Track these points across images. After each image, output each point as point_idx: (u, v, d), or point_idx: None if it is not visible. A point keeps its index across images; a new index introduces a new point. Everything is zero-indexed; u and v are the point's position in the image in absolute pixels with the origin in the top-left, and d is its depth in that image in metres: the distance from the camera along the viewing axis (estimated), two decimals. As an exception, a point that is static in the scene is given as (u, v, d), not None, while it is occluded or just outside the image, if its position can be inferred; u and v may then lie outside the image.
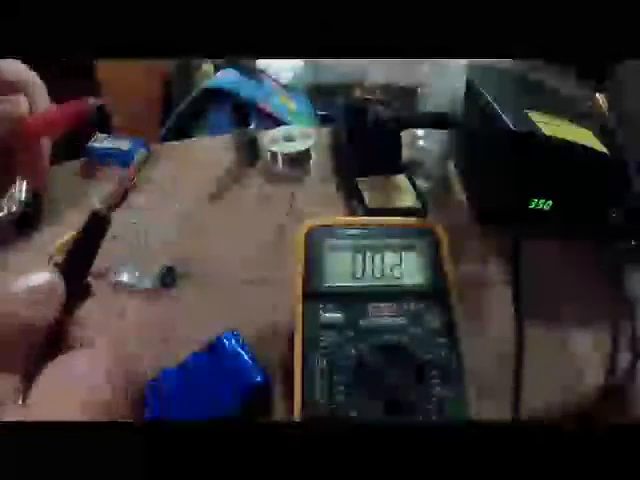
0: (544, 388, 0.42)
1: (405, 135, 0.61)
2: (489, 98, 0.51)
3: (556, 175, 0.47)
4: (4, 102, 0.27)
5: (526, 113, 0.49)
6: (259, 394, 0.40)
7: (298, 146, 0.63)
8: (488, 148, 0.52)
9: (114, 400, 0.15)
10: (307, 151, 0.64)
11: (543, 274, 0.48)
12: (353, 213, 0.56)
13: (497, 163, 0.50)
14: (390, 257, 0.40)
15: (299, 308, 0.37)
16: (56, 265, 0.17)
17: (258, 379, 0.40)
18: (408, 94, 0.71)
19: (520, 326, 0.44)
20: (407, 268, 0.39)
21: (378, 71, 0.75)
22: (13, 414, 0.14)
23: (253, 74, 0.87)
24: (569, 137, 0.47)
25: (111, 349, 0.16)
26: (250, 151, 0.65)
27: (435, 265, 0.39)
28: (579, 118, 0.51)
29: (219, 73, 0.88)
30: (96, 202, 0.18)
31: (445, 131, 0.63)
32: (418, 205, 0.55)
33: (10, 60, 0.29)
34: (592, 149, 0.47)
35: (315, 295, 0.37)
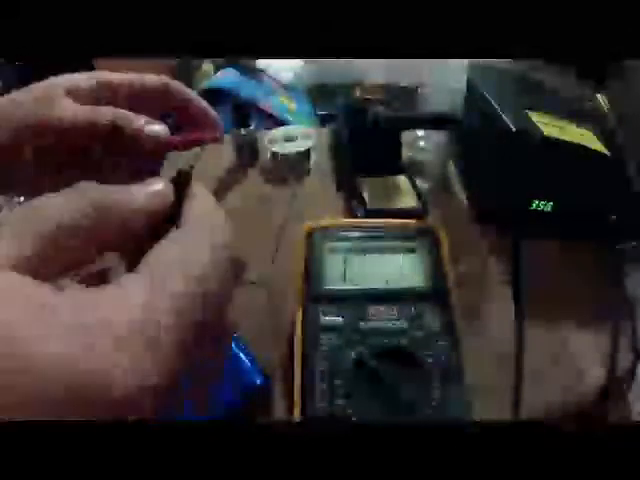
0: (544, 388, 0.42)
1: (405, 135, 0.61)
2: (489, 98, 0.51)
3: (556, 175, 0.47)
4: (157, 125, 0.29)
5: (526, 113, 0.49)
6: (258, 395, 0.40)
7: (298, 146, 0.63)
8: (488, 148, 0.52)
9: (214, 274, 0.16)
10: (307, 151, 0.64)
11: (543, 274, 0.48)
12: (353, 213, 0.56)
13: (497, 163, 0.50)
14: (390, 259, 0.40)
15: (299, 310, 0.37)
16: None
17: (257, 381, 0.39)
18: (408, 94, 0.71)
19: (520, 326, 0.44)
20: (407, 270, 0.39)
21: (378, 71, 0.75)
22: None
23: (253, 74, 0.87)
24: (569, 137, 0.47)
25: None
26: (250, 151, 0.65)
27: (435, 266, 0.39)
28: (579, 118, 0.51)
29: (219, 73, 0.88)
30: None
31: (445, 131, 0.63)
32: (418, 205, 0.55)
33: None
34: (592, 149, 0.47)
35: (315, 297, 0.37)
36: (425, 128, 0.64)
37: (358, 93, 0.64)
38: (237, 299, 0.19)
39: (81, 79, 0.29)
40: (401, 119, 0.59)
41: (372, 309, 0.36)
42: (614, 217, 0.48)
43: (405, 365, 0.34)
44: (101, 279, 0.19)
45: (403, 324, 0.36)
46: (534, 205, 0.48)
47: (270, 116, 0.81)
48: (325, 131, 0.70)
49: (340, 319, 0.36)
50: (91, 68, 0.29)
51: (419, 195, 0.56)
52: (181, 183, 0.19)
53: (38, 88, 0.28)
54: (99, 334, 0.13)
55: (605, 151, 0.47)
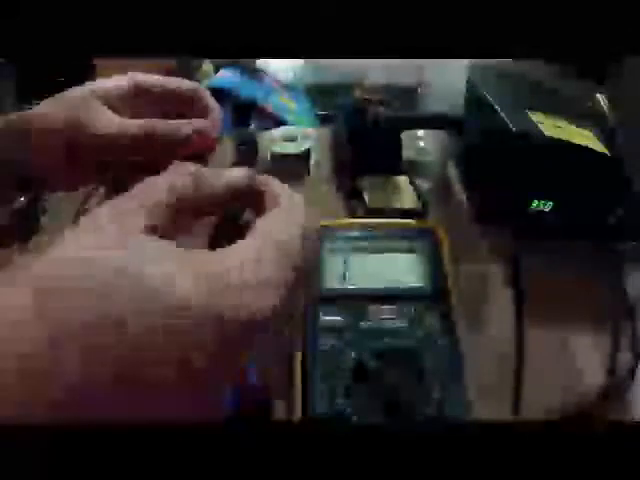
0: (544, 388, 0.42)
1: (405, 135, 0.61)
2: (489, 98, 0.51)
3: (556, 175, 0.47)
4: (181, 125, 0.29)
5: (526, 113, 0.49)
6: (258, 396, 0.40)
7: (298, 146, 0.63)
8: (488, 148, 0.52)
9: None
10: (307, 151, 0.64)
11: (543, 274, 0.48)
12: (353, 213, 0.56)
13: (497, 163, 0.50)
14: (390, 259, 0.40)
15: (299, 309, 0.37)
16: None
17: (256, 381, 0.39)
18: (408, 94, 0.71)
19: (520, 326, 0.44)
20: (407, 270, 0.39)
21: (378, 71, 0.75)
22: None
23: (253, 74, 0.87)
24: (569, 137, 0.47)
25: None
26: (250, 151, 0.65)
27: (435, 266, 0.39)
28: (579, 118, 0.51)
29: (219, 73, 0.88)
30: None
31: (445, 131, 0.63)
32: (418, 206, 0.55)
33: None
34: (592, 149, 0.47)
35: (315, 297, 0.37)
36: (425, 128, 0.64)
37: (358, 93, 0.64)
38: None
39: (113, 85, 0.29)
40: (401, 119, 0.59)
41: (372, 309, 0.36)
42: (614, 217, 0.48)
43: (405, 365, 0.34)
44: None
45: (403, 324, 0.36)
46: (534, 205, 0.48)
47: (270, 116, 0.81)
48: (325, 131, 0.70)
49: (340, 319, 0.36)
50: (91, 68, 0.29)
51: (419, 195, 0.56)
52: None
53: (73, 99, 0.28)
54: (228, 278, 0.16)
55: (605, 151, 0.47)
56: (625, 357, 0.45)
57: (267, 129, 0.68)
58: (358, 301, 0.37)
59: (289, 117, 0.82)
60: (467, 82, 0.58)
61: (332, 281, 0.38)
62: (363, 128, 0.58)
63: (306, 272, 0.21)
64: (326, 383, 0.33)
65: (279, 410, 0.41)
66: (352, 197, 0.58)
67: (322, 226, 0.41)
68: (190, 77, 0.96)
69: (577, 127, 0.50)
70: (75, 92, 0.29)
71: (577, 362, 0.45)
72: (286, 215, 0.20)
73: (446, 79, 0.65)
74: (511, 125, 0.46)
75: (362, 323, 0.36)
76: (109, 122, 0.27)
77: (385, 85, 0.72)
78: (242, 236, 0.19)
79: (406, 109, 0.67)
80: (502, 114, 0.48)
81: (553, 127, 0.47)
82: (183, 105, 0.31)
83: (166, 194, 0.18)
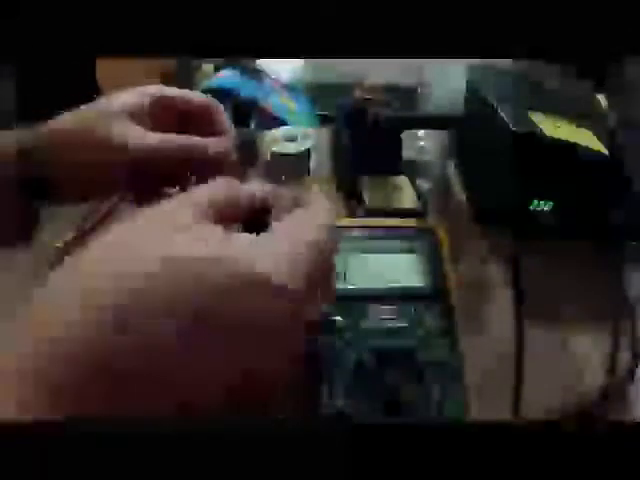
0: (544, 388, 0.42)
1: (405, 135, 0.61)
2: (489, 98, 0.51)
3: (556, 175, 0.47)
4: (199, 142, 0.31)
5: (526, 113, 0.49)
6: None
7: (298, 146, 0.63)
8: (488, 148, 0.52)
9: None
10: (307, 151, 0.64)
11: (543, 274, 0.48)
12: (353, 213, 0.56)
13: (497, 163, 0.50)
14: (390, 259, 0.40)
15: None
16: None
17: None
18: (408, 94, 0.71)
19: (520, 326, 0.44)
20: (407, 270, 0.39)
21: (378, 71, 0.75)
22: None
23: (253, 74, 0.87)
24: (569, 137, 0.47)
25: None
26: (250, 151, 0.65)
27: (435, 266, 0.39)
28: (579, 118, 0.51)
29: (219, 73, 0.88)
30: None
31: (445, 131, 0.63)
32: (418, 205, 0.55)
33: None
34: (592, 149, 0.47)
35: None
36: (425, 128, 0.64)
37: (358, 93, 0.64)
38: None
39: (134, 100, 0.29)
40: (401, 119, 0.59)
41: (372, 309, 0.36)
42: (614, 217, 0.48)
43: (405, 365, 0.34)
44: None
45: (403, 324, 0.36)
46: (534, 205, 0.48)
47: (270, 116, 0.81)
48: (325, 131, 0.70)
49: (339, 319, 0.36)
50: (91, 68, 0.29)
51: (419, 195, 0.56)
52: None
53: (102, 114, 0.28)
54: (266, 254, 0.19)
55: (605, 151, 0.47)
56: (625, 357, 0.45)
57: (267, 129, 0.68)
58: (358, 301, 0.37)
59: (289, 117, 0.82)
60: (467, 82, 0.58)
61: (332, 281, 0.38)
62: (363, 128, 0.58)
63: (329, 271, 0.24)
64: (326, 383, 0.33)
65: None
66: (352, 197, 0.58)
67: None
68: (190, 77, 0.96)
69: (577, 127, 0.50)
70: (100, 107, 0.29)
71: (577, 362, 0.45)
72: (313, 216, 0.23)
73: (446, 79, 0.65)
74: (511, 125, 0.46)
75: (362, 323, 0.36)
76: (145, 138, 0.28)
77: (385, 85, 0.72)
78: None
79: (406, 109, 0.67)
80: (502, 114, 0.48)
81: (553, 127, 0.47)
82: (197, 119, 0.31)
83: (226, 201, 0.21)
